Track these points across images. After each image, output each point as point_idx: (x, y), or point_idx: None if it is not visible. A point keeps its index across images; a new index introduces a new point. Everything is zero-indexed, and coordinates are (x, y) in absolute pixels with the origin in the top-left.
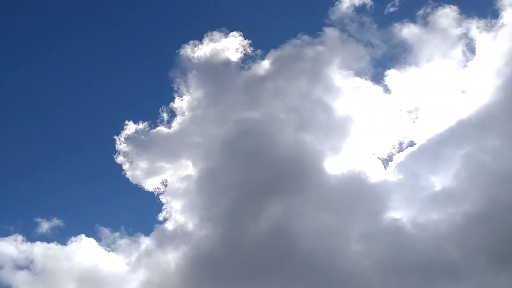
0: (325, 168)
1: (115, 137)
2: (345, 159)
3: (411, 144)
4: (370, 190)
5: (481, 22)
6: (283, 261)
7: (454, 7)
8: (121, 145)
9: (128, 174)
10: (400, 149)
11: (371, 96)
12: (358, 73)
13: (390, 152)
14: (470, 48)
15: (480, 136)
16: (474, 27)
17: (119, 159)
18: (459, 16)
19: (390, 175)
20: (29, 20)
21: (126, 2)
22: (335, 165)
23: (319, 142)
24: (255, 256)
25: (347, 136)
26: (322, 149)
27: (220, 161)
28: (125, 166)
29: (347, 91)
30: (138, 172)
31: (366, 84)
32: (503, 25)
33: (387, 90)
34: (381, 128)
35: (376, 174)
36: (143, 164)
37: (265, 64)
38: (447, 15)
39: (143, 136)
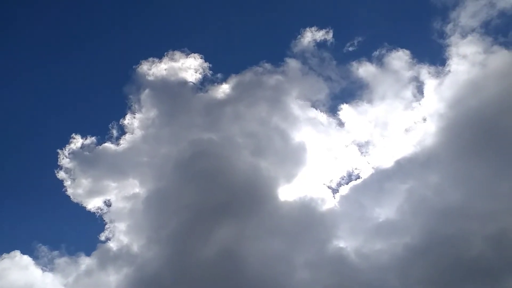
0: (278, 194)
1: (59, 150)
2: (297, 187)
3: (360, 175)
4: (319, 218)
5: (431, 68)
6: (230, 285)
7: (407, 51)
8: (64, 160)
9: (69, 191)
10: (349, 180)
11: (325, 127)
12: (315, 105)
13: (339, 183)
14: (419, 91)
15: (423, 173)
16: (424, 72)
17: (61, 174)
18: (411, 60)
19: (338, 204)
20: None
21: (95, 12)
22: (287, 191)
23: (274, 168)
24: (201, 279)
25: (301, 164)
26: (276, 175)
27: (170, 181)
28: (67, 183)
29: (303, 121)
30: (80, 191)
31: (321, 116)
32: (449, 72)
33: (340, 123)
34: (332, 159)
35: (325, 203)
36: (86, 182)
37: (225, 88)
38: (400, 58)
39: (88, 152)
